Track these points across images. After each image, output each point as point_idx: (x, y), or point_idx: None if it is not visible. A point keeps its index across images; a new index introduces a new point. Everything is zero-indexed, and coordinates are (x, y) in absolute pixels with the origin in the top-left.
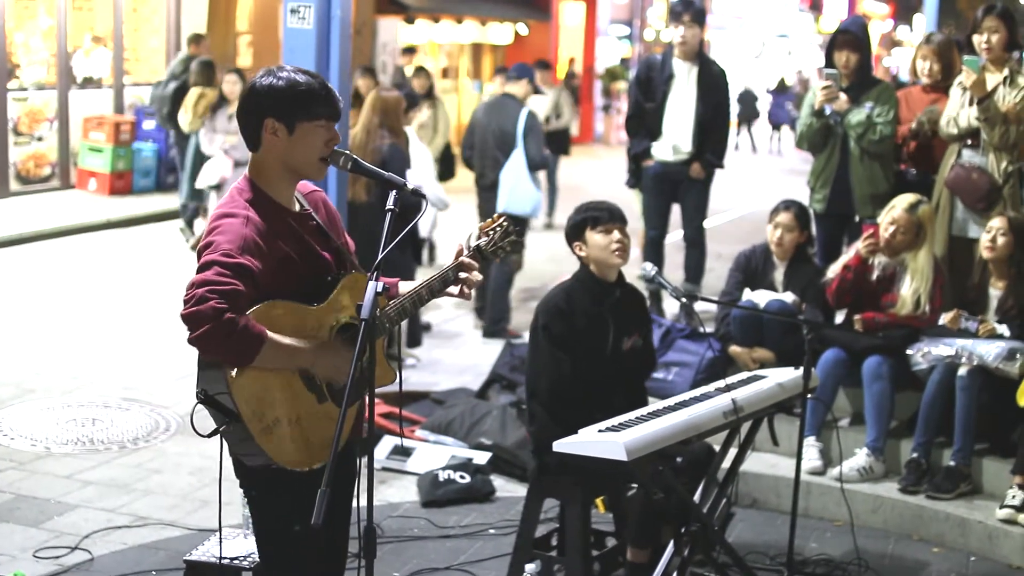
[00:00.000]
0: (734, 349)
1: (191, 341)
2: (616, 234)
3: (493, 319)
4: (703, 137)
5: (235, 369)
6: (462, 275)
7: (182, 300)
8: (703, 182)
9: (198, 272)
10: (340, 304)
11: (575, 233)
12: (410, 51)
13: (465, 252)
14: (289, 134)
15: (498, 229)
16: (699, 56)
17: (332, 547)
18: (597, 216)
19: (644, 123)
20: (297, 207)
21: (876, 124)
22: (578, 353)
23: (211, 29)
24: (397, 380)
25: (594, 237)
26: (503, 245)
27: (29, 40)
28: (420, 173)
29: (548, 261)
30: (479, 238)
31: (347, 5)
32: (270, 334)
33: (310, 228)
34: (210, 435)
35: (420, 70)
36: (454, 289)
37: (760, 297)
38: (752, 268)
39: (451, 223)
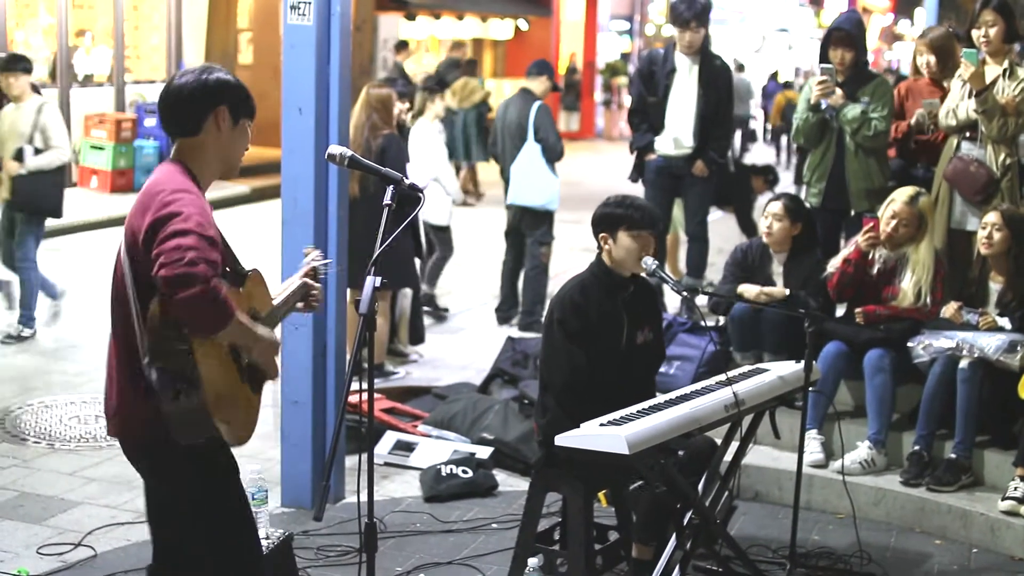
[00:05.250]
0: (744, 287)
1: (178, 300)
2: (648, 247)
3: (528, 311)
4: (705, 133)
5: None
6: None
7: (161, 261)
8: (706, 178)
9: (176, 237)
10: (250, 294)
11: (607, 225)
12: (403, 45)
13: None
14: (233, 126)
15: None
16: (701, 51)
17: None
18: (635, 219)
19: (646, 117)
20: None
21: (871, 119)
22: (593, 347)
23: (211, 26)
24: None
25: (625, 239)
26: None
27: (30, 38)
28: (435, 164)
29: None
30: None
31: (347, 1)
32: (236, 310)
33: None
34: (172, 397)
35: (469, 62)
36: (300, 304)
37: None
38: (749, 263)
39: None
